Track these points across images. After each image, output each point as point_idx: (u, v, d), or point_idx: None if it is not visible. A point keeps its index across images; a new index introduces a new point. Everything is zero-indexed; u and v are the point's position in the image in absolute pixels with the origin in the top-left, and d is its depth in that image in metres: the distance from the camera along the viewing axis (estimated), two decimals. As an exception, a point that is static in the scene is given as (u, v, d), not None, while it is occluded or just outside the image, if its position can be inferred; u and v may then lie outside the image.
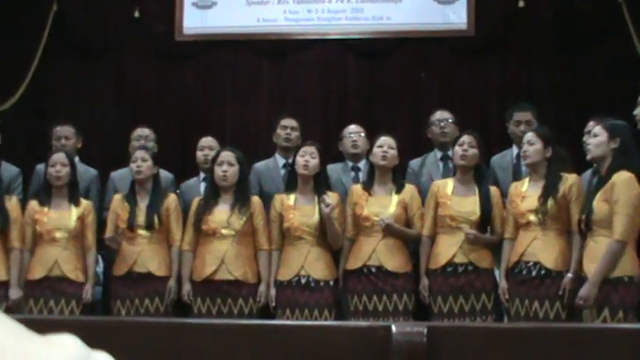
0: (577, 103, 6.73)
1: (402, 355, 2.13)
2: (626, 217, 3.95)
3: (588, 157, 4.28)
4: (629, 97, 4.89)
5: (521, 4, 6.91)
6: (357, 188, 4.84)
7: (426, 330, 2.17)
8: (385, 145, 4.77)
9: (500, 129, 5.80)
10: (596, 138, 4.16)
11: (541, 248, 4.39)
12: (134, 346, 2.14)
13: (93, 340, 0.65)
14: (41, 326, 0.63)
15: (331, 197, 4.74)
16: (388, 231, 4.65)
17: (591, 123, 4.57)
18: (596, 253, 4.06)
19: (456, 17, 7.03)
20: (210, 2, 7.25)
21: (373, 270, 4.65)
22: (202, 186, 5.31)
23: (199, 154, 5.48)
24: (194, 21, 7.24)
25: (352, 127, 5.55)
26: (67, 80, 7.28)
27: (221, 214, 4.74)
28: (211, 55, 7.31)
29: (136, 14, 7.23)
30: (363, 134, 5.45)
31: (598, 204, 4.04)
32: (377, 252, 4.65)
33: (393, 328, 2.18)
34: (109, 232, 4.85)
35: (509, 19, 7.03)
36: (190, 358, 2.27)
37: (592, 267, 4.06)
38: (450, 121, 5.49)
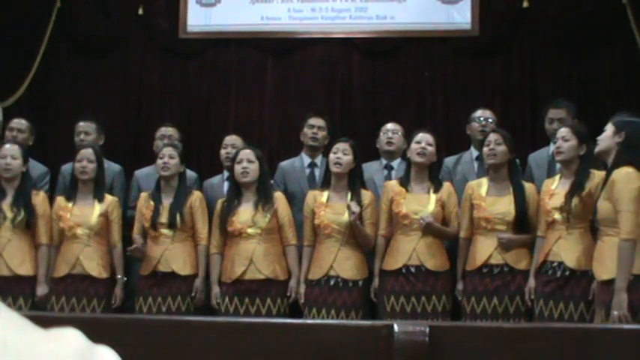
0: (582, 103, 6.72)
1: (405, 353, 2.14)
2: (630, 213, 3.86)
3: (595, 150, 4.20)
4: (634, 97, 4.89)
5: (525, 4, 6.91)
6: (393, 184, 4.77)
7: (428, 329, 2.18)
8: (423, 142, 4.70)
9: (504, 128, 5.79)
10: (604, 133, 4.13)
11: (565, 247, 4.34)
12: (154, 344, 2.15)
13: (105, 338, 0.65)
14: (63, 324, 0.63)
15: (364, 197, 4.71)
16: (428, 230, 4.59)
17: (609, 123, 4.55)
18: (602, 254, 4.01)
19: (460, 17, 7.02)
20: (214, 0, 7.25)
21: (413, 270, 4.59)
22: (226, 185, 5.30)
23: (222, 152, 5.48)
24: (198, 18, 7.24)
25: (389, 125, 5.51)
26: (70, 77, 7.27)
27: (245, 213, 4.71)
28: (215, 52, 7.31)
29: (140, 11, 7.23)
30: (400, 132, 5.40)
31: (602, 203, 3.99)
32: (417, 251, 4.59)
33: (396, 327, 2.19)
34: (136, 231, 4.88)
35: (514, 19, 7.02)
36: (192, 355, 2.28)
37: (599, 267, 4.01)
38: (491, 120, 5.43)
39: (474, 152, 5.38)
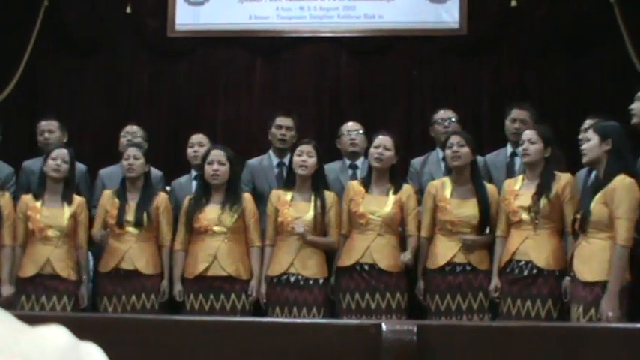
0: (570, 103, 6.75)
1: (393, 353, 2.13)
2: (629, 221, 3.93)
3: (584, 160, 4.26)
4: (622, 97, 4.90)
5: (513, 3, 6.93)
6: (355, 184, 4.82)
7: (416, 328, 2.17)
8: (381, 147, 4.74)
9: (492, 128, 5.82)
10: (589, 142, 4.15)
11: (533, 247, 4.40)
12: (122, 342, 2.14)
13: (82, 337, 0.65)
14: (32, 322, 0.63)
15: (327, 198, 4.75)
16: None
17: (588, 121, 4.58)
18: (588, 254, 4.04)
19: (449, 16, 7.03)
20: (203, -1, 7.25)
21: (366, 267, 4.64)
22: (194, 184, 5.29)
23: (189, 150, 5.45)
24: (186, 17, 7.23)
25: (350, 125, 5.54)
26: (57, 76, 7.25)
27: (212, 212, 4.73)
28: (204, 51, 7.31)
29: (128, 10, 7.21)
30: (361, 132, 5.43)
31: (596, 206, 4.02)
32: (371, 249, 4.64)
33: (384, 326, 2.18)
34: (96, 228, 4.85)
35: (502, 18, 7.04)
36: (180, 355, 2.27)
37: (583, 268, 4.04)
38: (454, 120, 5.47)
39: (439, 153, 5.42)
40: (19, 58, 7.08)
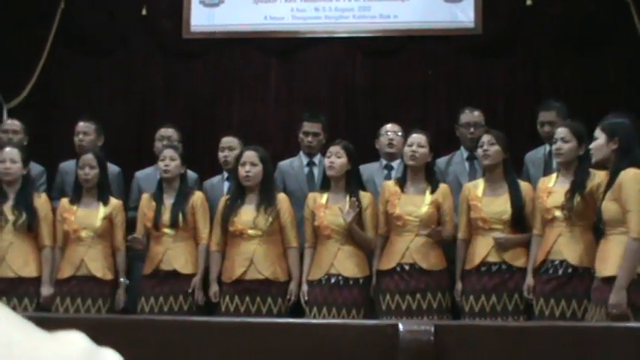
0: (585, 102, 6.71)
1: (410, 353, 2.13)
2: (639, 213, 3.89)
3: (592, 161, 4.22)
4: (638, 96, 4.87)
5: (528, 2, 6.90)
6: (390, 185, 4.80)
7: (433, 328, 2.17)
8: (414, 144, 4.72)
9: (507, 127, 5.79)
10: (596, 141, 4.11)
11: (566, 245, 4.35)
12: (158, 344, 2.15)
13: (111, 339, 0.65)
14: (68, 325, 0.64)
15: (363, 198, 4.73)
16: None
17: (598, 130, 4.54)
18: (606, 252, 4.01)
19: (464, 16, 7.01)
20: (218, 0, 7.26)
21: (407, 268, 4.61)
22: (226, 185, 5.30)
23: (220, 154, 5.45)
24: (201, 19, 7.24)
25: (389, 126, 5.53)
26: (74, 78, 7.28)
27: (247, 214, 4.73)
28: (219, 52, 7.32)
29: (144, 12, 7.24)
30: (400, 133, 5.39)
31: (607, 204, 3.99)
32: (410, 250, 4.61)
33: (401, 326, 2.18)
34: (138, 232, 4.88)
35: (517, 17, 7.02)
36: (196, 356, 2.28)
37: (602, 266, 4.02)
38: (482, 124, 5.42)
39: (464, 152, 5.41)
40: (35, 60, 7.12)
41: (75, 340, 0.60)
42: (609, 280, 3.95)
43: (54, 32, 7.18)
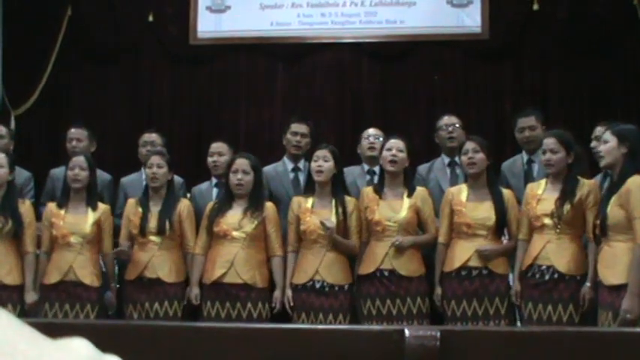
0: (592, 105, 6.71)
1: (416, 358, 2.13)
2: None
3: (602, 164, 4.22)
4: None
5: (535, 7, 6.90)
6: (368, 191, 4.80)
7: (439, 334, 2.16)
8: (394, 149, 4.72)
9: (513, 132, 5.79)
10: (607, 145, 4.11)
11: (555, 252, 4.37)
12: (146, 349, 2.15)
13: (106, 344, 0.65)
14: (56, 330, 0.63)
15: (348, 203, 4.73)
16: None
17: (599, 128, 4.53)
18: (611, 258, 4.01)
19: (470, 20, 7.02)
20: (224, 6, 7.28)
21: (386, 274, 4.63)
22: (214, 191, 5.29)
23: (209, 160, 5.40)
24: (208, 25, 7.27)
25: (371, 131, 5.53)
26: (81, 84, 7.32)
27: (233, 216, 4.73)
28: (225, 58, 7.34)
29: (150, 18, 7.26)
30: (381, 138, 5.39)
31: (612, 209, 3.99)
32: (389, 256, 4.62)
33: (407, 332, 2.17)
34: (122, 238, 4.85)
35: (524, 22, 7.02)
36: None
37: (607, 272, 4.01)
38: (458, 126, 5.43)
39: (445, 159, 5.39)
40: (42, 67, 7.16)
41: (79, 347, 0.60)
42: (619, 289, 3.95)
43: (61, 39, 7.21)
